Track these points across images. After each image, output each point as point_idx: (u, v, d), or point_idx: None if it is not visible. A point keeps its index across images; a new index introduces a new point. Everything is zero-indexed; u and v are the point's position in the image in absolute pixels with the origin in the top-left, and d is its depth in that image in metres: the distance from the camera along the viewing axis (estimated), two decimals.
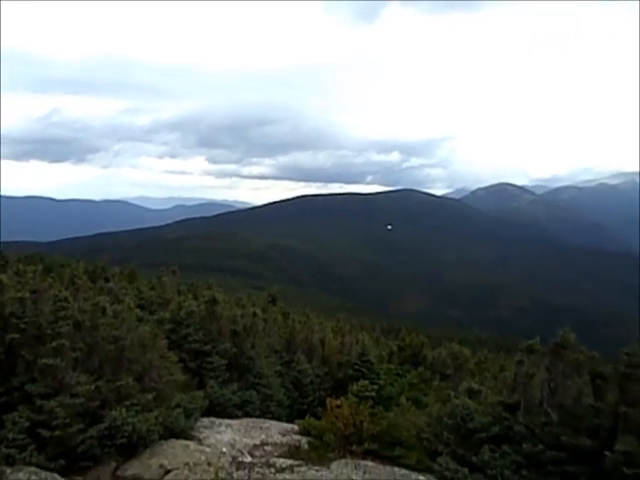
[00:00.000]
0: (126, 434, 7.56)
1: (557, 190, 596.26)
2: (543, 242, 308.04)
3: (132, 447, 7.71)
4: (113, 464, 7.51)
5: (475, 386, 9.81)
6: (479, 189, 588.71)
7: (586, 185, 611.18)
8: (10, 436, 6.76)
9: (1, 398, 7.58)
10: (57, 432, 7.09)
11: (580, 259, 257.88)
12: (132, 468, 7.43)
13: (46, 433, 7.02)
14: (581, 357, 8.04)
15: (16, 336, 8.02)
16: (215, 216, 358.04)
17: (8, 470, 6.48)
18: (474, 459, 7.84)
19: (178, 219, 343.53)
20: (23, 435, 6.86)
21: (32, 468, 6.60)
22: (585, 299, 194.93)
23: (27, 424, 6.98)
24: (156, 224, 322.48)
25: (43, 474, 6.53)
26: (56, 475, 6.62)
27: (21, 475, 6.40)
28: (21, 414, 7.03)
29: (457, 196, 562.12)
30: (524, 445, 7.60)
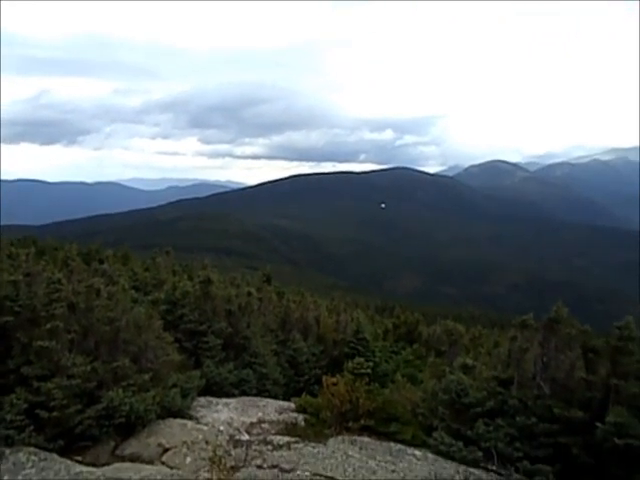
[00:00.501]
0: (124, 414, 7.61)
1: (550, 167, 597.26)
2: (536, 219, 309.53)
3: (130, 427, 7.77)
4: (112, 443, 7.57)
5: (469, 362, 9.90)
6: (472, 166, 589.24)
7: (579, 162, 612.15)
8: (8, 417, 6.80)
9: None
10: (55, 413, 7.13)
11: (574, 236, 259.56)
12: (130, 447, 7.50)
13: (44, 414, 7.06)
14: (574, 331, 8.14)
15: (10, 319, 8.01)
16: (208, 197, 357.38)
17: (7, 451, 6.54)
18: (469, 433, 7.97)
19: (171, 200, 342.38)
20: (21, 416, 6.89)
21: (31, 449, 6.66)
22: (579, 276, 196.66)
23: (25, 406, 7.01)
24: (149, 205, 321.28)
25: (42, 454, 6.58)
26: (55, 455, 6.68)
27: (20, 455, 6.46)
28: (18, 396, 7.06)
29: (450, 174, 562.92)
30: (517, 418, 7.72)
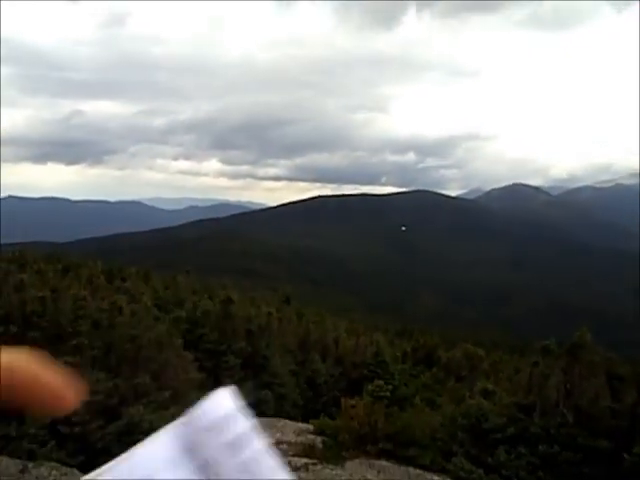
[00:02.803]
0: (144, 431, 7.64)
1: (573, 191, 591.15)
2: (559, 243, 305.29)
3: None
4: None
5: (490, 387, 9.79)
6: (493, 190, 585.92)
7: (603, 185, 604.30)
8: (31, 432, 6.91)
9: None
10: (77, 429, 7.22)
11: (597, 260, 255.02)
12: None
13: (66, 429, 7.15)
14: (598, 358, 8.01)
15: (37, 334, 8.17)
16: (229, 217, 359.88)
17: (30, 464, 6.61)
18: (489, 460, 7.84)
19: (192, 220, 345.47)
20: (44, 431, 7.00)
21: (53, 463, 6.72)
22: (602, 301, 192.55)
23: (47, 420, 7.11)
24: (170, 225, 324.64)
25: (63, 469, 6.64)
26: (76, 470, 6.73)
27: (42, 470, 6.52)
28: None
29: (472, 196, 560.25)
30: (540, 446, 7.58)
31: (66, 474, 6.53)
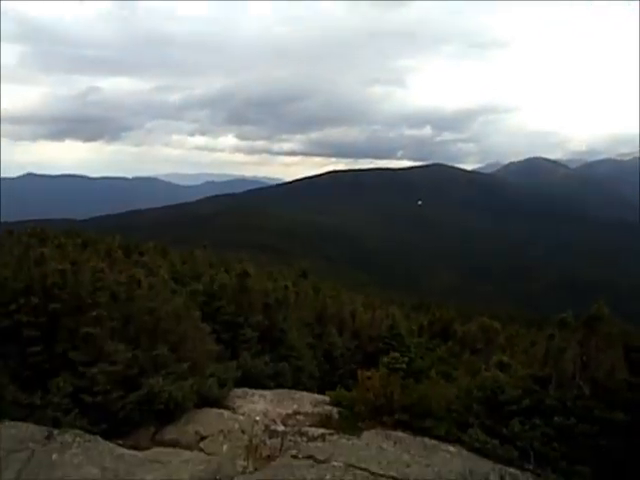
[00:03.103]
0: (163, 401, 7.81)
1: (592, 164, 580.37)
2: (577, 217, 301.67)
3: (169, 414, 7.97)
4: (152, 429, 7.78)
5: (506, 359, 9.80)
6: (511, 163, 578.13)
7: (623, 158, 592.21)
8: (55, 400, 7.10)
9: (46, 364, 7.93)
10: (98, 398, 7.39)
11: (615, 235, 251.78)
12: (169, 433, 7.69)
13: (88, 398, 7.33)
14: (615, 331, 7.96)
15: (58, 306, 8.33)
16: (245, 192, 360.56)
17: (55, 431, 6.81)
18: (504, 431, 7.87)
19: (208, 195, 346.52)
20: (67, 400, 7.18)
21: (77, 431, 6.91)
22: (621, 275, 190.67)
23: (70, 389, 7.30)
24: (186, 200, 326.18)
25: (87, 436, 6.82)
26: (99, 438, 6.91)
27: (67, 436, 6.71)
28: (65, 380, 7.35)
29: (489, 170, 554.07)
30: (555, 418, 7.59)
31: (90, 441, 6.72)
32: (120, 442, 7.23)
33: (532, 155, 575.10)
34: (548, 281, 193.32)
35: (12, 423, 6.95)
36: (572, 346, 8.18)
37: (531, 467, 7.36)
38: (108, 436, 7.18)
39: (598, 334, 7.95)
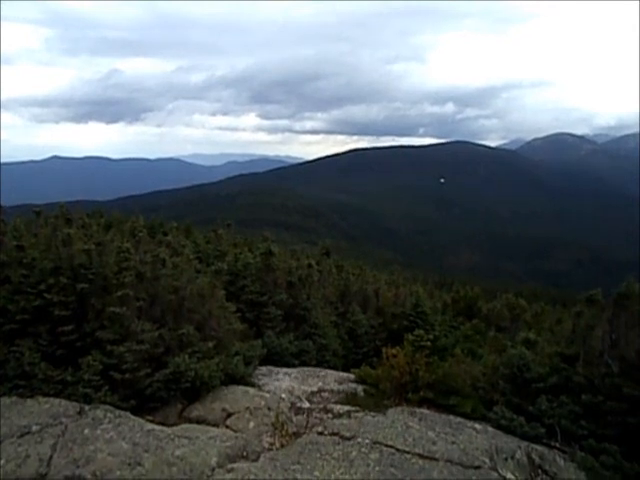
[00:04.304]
0: (189, 379, 7.92)
1: (621, 139, 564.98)
2: (604, 194, 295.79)
3: (196, 391, 8.09)
4: (179, 406, 7.92)
5: (532, 337, 9.70)
6: (535, 139, 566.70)
7: None
8: (86, 377, 7.27)
9: (76, 343, 8.09)
10: (127, 375, 7.52)
11: None
12: (196, 411, 7.82)
13: (117, 376, 7.47)
14: None
15: (85, 286, 8.45)
16: (267, 172, 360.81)
17: (87, 407, 6.98)
18: (531, 408, 7.83)
19: (230, 175, 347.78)
20: (97, 377, 7.33)
21: (107, 407, 7.07)
22: None
23: (100, 367, 7.44)
24: (209, 180, 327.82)
25: (117, 412, 6.98)
26: (129, 413, 7.06)
27: (98, 412, 6.88)
28: (94, 358, 7.50)
29: (512, 147, 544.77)
30: (583, 396, 7.51)
31: (120, 416, 6.87)
32: (149, 418, 7.38)
33: (557, 131, 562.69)
34: (574, 260, 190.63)
35: (45, 399, 7.14)
36: (601, 324, 8.06)
37: (558, 445, 7.32)
38: (137, 412, 7.34)
39: (628, 311, 7.81)
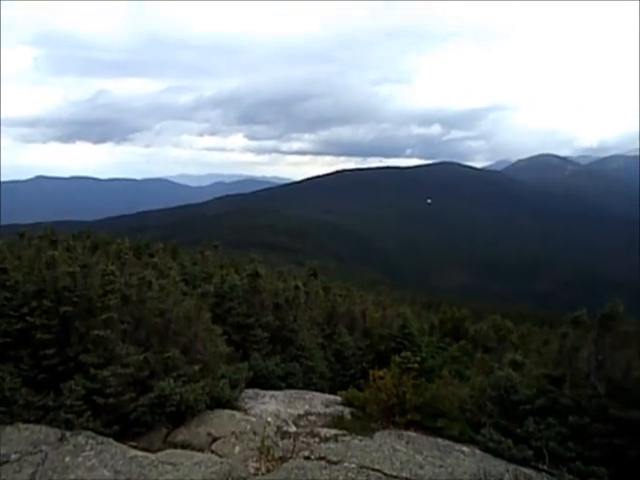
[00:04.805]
0: (175, 403, 7.82)
1: (603, 160, 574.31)
2: (588, 214, 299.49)
3: (181, 415, 7.98)
4: (164, 431, 7.80)
5: (519, 358, 9.72)
6: (520, 161, 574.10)
7: (634, 154, 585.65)
8: (68, 402, 7.14)
9: (58, 367, 7.97)
10: (110, 400, 7.41)
11: (628, 231, 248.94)
12: (181, 435, 7.70)
13: (100, 400, 7.35)
14: (631, 329, 7.85)
15: (69, 309, 8.36)
16: (254, 192, 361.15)
17: (68, 434, 6.84)
18: (518, 431, 7.81)
19: (217, 196, 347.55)
20: (80, 402, 7.21)
21: (89, 432, 6.95)
22: (633, 273, 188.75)
23: (83, 392, 7.33)
24: (196, 201, 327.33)
25: (100, 438, 6.85)
26: (111, 440, 6.94)
27: (80, 438, 6.74)
28: (77, 382, 7.39)
29: (498, 168, 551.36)
30: (570, 417, 7.51)
31: (102, 443, 6.74)
32: (133, 444, 7.25)
33: (541, 152, 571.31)
34: (559, 279, 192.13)
35: (25, 425, 6.99)
36: (587, 345, 8.10)
37: (546, 467, 7.28)
38: (121, 437, 7.21)
39: (613, 332, 7.85)
